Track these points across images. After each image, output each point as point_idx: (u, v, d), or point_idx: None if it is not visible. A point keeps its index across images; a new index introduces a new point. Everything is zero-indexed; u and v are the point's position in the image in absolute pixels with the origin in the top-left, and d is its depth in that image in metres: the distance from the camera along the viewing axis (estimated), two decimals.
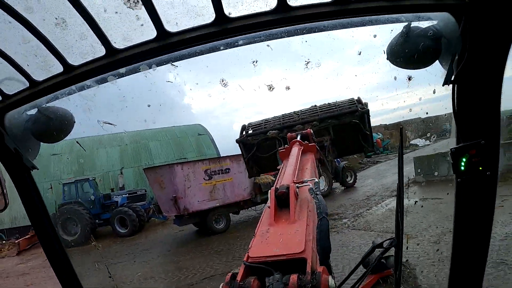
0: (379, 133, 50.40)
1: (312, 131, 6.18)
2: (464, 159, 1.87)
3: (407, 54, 1.94)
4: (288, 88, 4.33)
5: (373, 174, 28.13)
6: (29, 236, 23.75)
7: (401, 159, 2.34)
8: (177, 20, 1.71)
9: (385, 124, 61.01)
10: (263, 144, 7.61)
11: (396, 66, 2.05)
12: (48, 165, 26.84)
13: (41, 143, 2.51)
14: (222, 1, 1.58)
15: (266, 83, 3.53)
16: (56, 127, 2.37)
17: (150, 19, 1.61)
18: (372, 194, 19.29)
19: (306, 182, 3.24)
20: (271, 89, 3.50)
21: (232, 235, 16.15)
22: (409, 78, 2.25)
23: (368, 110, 7.48)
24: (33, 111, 2.28)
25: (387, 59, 2.03)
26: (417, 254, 9.58)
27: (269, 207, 2.90)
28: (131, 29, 1.78)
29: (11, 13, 1.54)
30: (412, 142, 47.72)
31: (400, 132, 2.51)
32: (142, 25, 1.69)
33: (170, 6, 1.63)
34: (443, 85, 1.85)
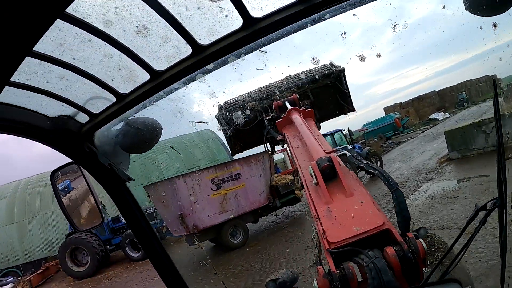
0: (396, 112, 47.43)
1: (298, 96, 5.82)
2: None
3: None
4: (379, 55, 4.07)
5: (398, 157, 25.53)
6: (42, 270, 22.86)
7: (497, 112, 2.23)
8: (261, 4, 1.66)
9: (400, 103, 57.91)
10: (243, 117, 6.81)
11: (478, 15, 1.92)
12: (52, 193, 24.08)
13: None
14: None
15: (356, 54, 3.50)
16: (146, 137, 2.38)
17: (234, 9, 1.57)
18: (404, 180, 16.89)
19: (339, 150, 3.30)
20: (363, 59, 3.50)
21: (252, 249, 14.18)
22: (495, 25, 2.13)
23: (343, 69, 7.59)
24: (119, 125, 2.28)
25: (466, 9, 1.92)
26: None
27: (315, 183, 2.80)
28: (215, 22, 1.76)
29: (91, 30, 1.53)
30: (431, 117, 44.78)
31: (493, 84, 2.36)
32: (226, 16, 1.67)
33: None
34: None
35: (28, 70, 1.63)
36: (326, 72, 7.38)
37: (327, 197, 2.62)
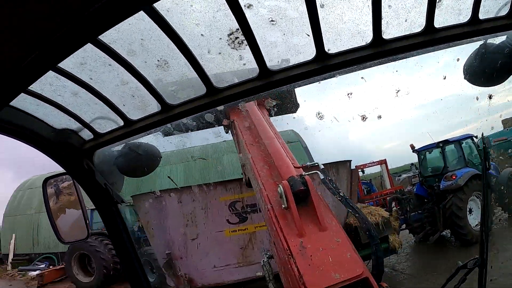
0: None
1: None
2: None
3: (486, 72, 2.03)
4: (379, 117, 4.05)
5: None
6: (59, 267, 21.49)
7: (484, 175, 2.95)
8: (278, 58, 1.91)
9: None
10: None
11: (475, 85, 2.12)
12: None
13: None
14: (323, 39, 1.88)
15: (359, 113, 3.50)
16: (145, 163, 2.57)
17: (253, 59, 1.83)
18: None
19: (308, 167, 3.02)
20: (364, 119, 3.47)
21: None
22: (490, 97, 2.32)
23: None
24: (119, 146, 2.54)
25: (465, 78, 2.13)
26: None
27: (285, 208, 2.52)
28: (233, 69, 2.00)
29: (114, 56, 1.74)
30: None
31: (484, 150, 3.00)
32: (244, 64, 1.89)
33: (273, 45, 1.86)
34: None
35: (44, 81, 1.82)
36: None
37: (299, 228, 2.35)
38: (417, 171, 17.31)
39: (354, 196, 11.94)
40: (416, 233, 15.32)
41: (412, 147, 17.02)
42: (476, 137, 15.44)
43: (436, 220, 14.14)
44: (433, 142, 15.60)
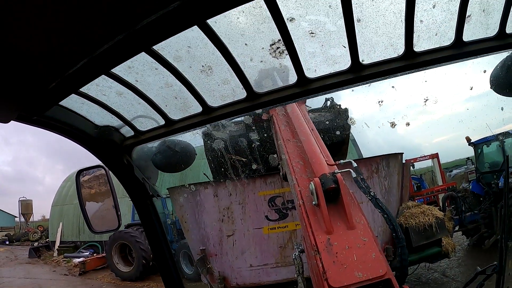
0: None
1: None
2: None
3: None
4: (408, 124, 4.37)
5: None
6: (101, 256, 22.46)
7: (507, 181, 3.94)
8: (316, 67, 1.98)
9: None
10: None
11: (501, 95, 2.13)
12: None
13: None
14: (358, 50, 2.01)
15: (389, 120, 3.64)
16: (180, 160, 2.70)
17: (292, 67, 1.93)
18: None
19: (340, 164, 3.14)
20: (393, 125, 3.56)
21: None
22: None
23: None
24: (155, 143, 2.64)
25: (491, 88, 2.14)
26: None
27: (315, 205, 2.57)
28: (272, 75, 2.38)
29: (161, 61, 1.83)
30: None
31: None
32: (283, 72, 2.07)
33: (312, 55, 1.97)
34: None
35: (92, 82, 1.88)
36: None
37: (328, 225, 2.38)
38: (472, 166, 16.32)
39: (406, 191, 10.55)
40: (470, 236, 14.16)
41: (468, 139, 15.72)
42: None
43: (493, 222, 12.94)
44: (492, 135, 14.13)
